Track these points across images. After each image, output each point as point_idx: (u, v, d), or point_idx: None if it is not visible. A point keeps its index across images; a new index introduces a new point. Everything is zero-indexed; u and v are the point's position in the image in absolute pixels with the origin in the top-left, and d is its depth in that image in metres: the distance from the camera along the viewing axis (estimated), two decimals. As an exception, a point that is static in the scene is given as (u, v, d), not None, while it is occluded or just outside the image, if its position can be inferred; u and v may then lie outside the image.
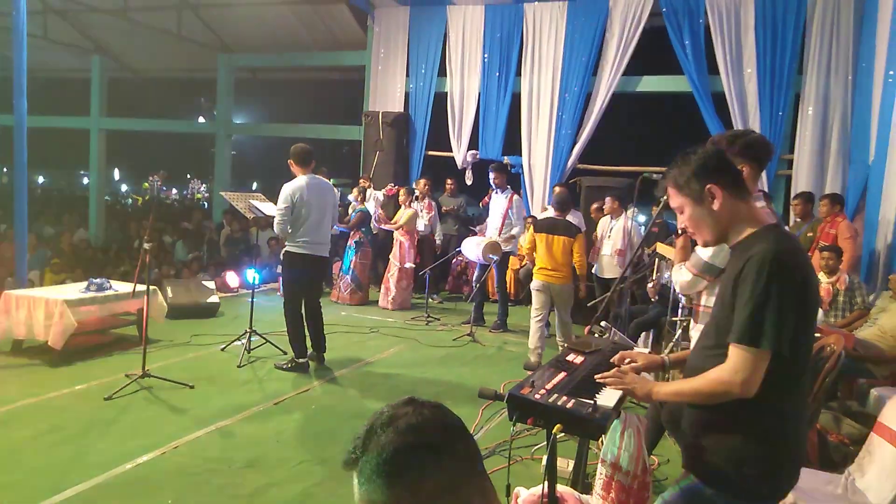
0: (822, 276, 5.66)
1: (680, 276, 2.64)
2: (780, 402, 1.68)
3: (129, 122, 14.79)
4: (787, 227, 2.50)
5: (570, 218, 6.00)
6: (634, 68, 9.00)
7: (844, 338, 3.78)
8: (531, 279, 8.53)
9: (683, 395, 1.76)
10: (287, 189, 5.04)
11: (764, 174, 7.98)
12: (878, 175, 6.56)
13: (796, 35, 8.04)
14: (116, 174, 31.44)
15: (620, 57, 8.82)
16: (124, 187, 31.58)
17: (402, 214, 8.18)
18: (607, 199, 7.06)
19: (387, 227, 8.34)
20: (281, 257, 5.34)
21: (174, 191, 29.46)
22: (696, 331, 2.60)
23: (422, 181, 8.88)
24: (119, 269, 8.96)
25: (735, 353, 1.63)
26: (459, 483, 0.93)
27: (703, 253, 2.48)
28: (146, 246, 4.59)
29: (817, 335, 4.14)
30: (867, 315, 5.09)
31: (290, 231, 5.07)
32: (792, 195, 8.14)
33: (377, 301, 8.29)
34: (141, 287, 5.03)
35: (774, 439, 1.68)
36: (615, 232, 6.87)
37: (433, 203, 8.89)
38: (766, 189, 7.88)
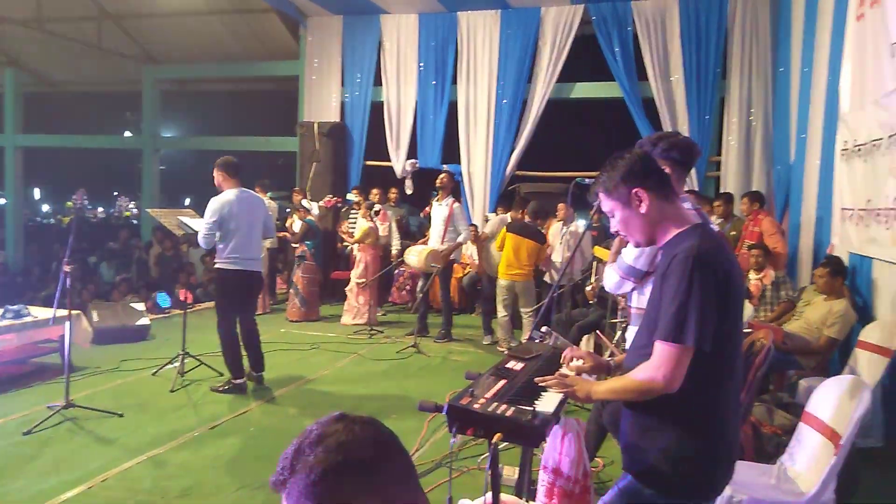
0: (751, 274, 5.87)
1: (609, 278, 2.69)
2: (712, 399, 1.71)
3: (48, 138, 14.07)
4: (714, 226, 2.55)
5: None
6: (568, 75, 9.19)
7: (773, 332, 3.92)
8: (475, 287, 8.63)
9: (616, 392, 1.80)
10: (215, 203, 4.88)
11: (694, 176, 8.27)
12: (798, 174, 6.88)
13: (719, 42, 8.40)
14: (37, 194, 29.87)
15: (554, 64, 8.99)
16: (46, 207, 30.03)
17: (358, 228, 7.99)
18: (560, 206, 7.14)
19: (351, 242, 8.13)
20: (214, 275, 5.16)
21: (100, 209, 28.18)
22: (630, 332, 2.63)
23: (374, 191, 8.70)
24: (41, 293, 8.47)
25: (659, 349, 1.66)
26: (393, 501, 0.89)
27: (627, 256, 2.53)
28: (66, 268, 4.34)
29: (748, 330, 4.28)
30: (794, 309, 5.30)
31: (217, 244, 4.91)
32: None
33: (328, 317, 8.11)
34: (62, 312, 4.74)
35: (708, 436, 1.70)
36: (566, 238, 6.94)
37: (388, 213, 8.73)
38: (696, 189, 8.16)
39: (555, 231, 7.17)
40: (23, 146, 13.01)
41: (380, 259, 8.04)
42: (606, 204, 1.86)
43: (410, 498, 0.92)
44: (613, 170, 1.82)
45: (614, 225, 1.88)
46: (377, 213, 8.13)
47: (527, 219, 6.70)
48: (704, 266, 1.63)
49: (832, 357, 4.90)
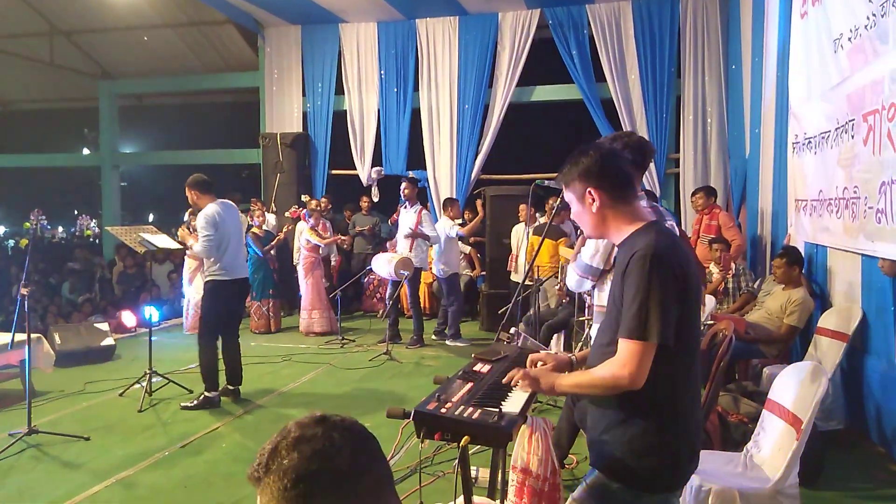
0: (713, 267, 6.00)
1: (569, 277, 2.74)
2: (673, 392, 1.73)
3: (3, 158, 13.70)
4: (673, 223, 2.61)
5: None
6: (528, 78, 9.29)
7: (735, 322, 4.02)
8: (444, 290, 8.63)
9: (581, 386, 1.82)
10: (207, 216, 4.87)
11: (655, 173, 8.44)
12: (754, 168, 7.07)
13: (672, 42, 8.59)
14: (-7, 215, 29.04)
15: (513, 68, 9.09)
16: (3, 229, 29.15)
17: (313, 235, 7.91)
18: (521, 207, 7.20)
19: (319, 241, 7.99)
20: (203, 288, 5.13)
21: (60, 228, 27.51)
22: (594, 330, 2.67)
23: (323, 200, 8.69)
24: (-1, 318, 8.23)
25: (623, 347, 1.69)
26: None
27: (584, 255, 2.57)
28: (24, 291, 4.23)
29: (711, 322, 4.39)
30: (755, 300, 5.44)
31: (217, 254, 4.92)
32: (681, 192, 8.67)
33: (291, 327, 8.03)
34: (21, 336, 4.62)
35: (670, 428, 1.73)
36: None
37: (326, 223, 8.71)
38: (657, 187, 8.33)
39: (517, 233, 7.24)
40: (-25, 167, 12.66)
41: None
42: (566, 195, 1.92)
43: None
44: (574, 166, 1.86)
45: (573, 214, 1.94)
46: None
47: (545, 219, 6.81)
48: (661, 263, 1.66)
49: (794, 344, 5.04)
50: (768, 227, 6.48)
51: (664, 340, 1.64)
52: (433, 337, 7.45)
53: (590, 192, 1.82)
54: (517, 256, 7.16)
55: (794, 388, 2.85)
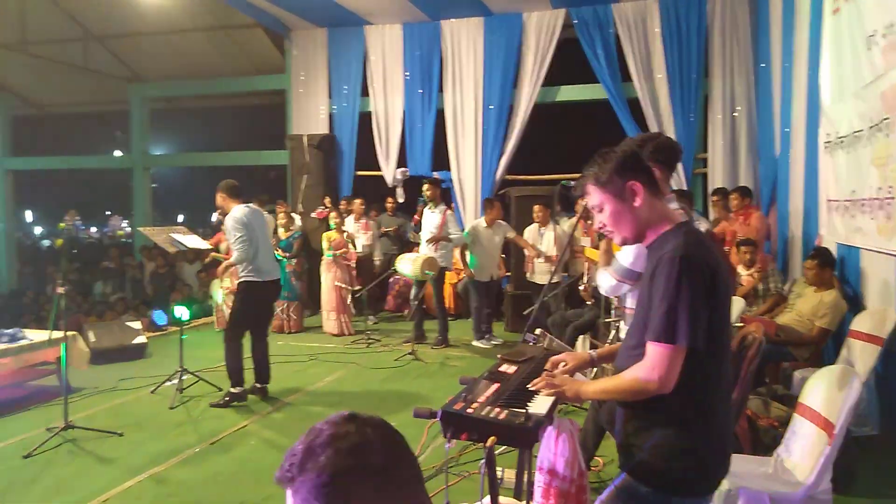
0: (741, 269, 5.91)
1: (604, 281, 2.69)
2: (703, 395, 1.71)
3: (38, 160, 14.06)
4: (701, 223, 2.58)
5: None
6: (553, 78, 9.25)
7: (765, 324, 3.97)
8: (469, 293, 8.64)
9: (608, 392, 1.80)
10: (236, 217, 4.97)
11: (682, 173, 8.34)
12: (784, 168, 6.95)
13: (700, 40, 8.47)
14: (29, 216, 29.81)
15: (538, 68, 9.06)
16: (39, 229, 29.97)
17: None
18: (536, 208, 7.17)
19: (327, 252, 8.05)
20: (236, 288, 5.24)
21: (93, 229, 28.16)
22: (622, 332, 2.66)
23: (357, 201, 8.78)
24: (34, 316, 8.45)
25: (652, 350, 1.66)
26: None
27: (623, 259, 2.54)
28: (60, 290, 4.36)
29: (740, 324, 4.32)
30: (785, 302, 5.34)
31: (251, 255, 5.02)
32: (709, 192, 8.55)
33: (315, 327, 8.12)
34: (58, 334, 4.75)
35: (700, 431, 1.71)
36: (546, 239, 7.01)
37: (370, 223, 8.81)
38: (685, 188, 8.23)
39: (532, 233, 7.21)
40: (13, 169, 13.01)
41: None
42: (596, 197, 1.81)
43: (417, 503, 0.94)
44: (607, 162, 1.79)
45: (600, 220, 1.84)
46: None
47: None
48: (691, 265, 1.63)
49: (826, 347, 4.94)
50: (799, 227, 6.36)
51: (693, 344, 1.62)
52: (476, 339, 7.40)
53: (631, 187, 1.76)
54: (533, 258, 7.14)
55: (826, 391, 2.80)
